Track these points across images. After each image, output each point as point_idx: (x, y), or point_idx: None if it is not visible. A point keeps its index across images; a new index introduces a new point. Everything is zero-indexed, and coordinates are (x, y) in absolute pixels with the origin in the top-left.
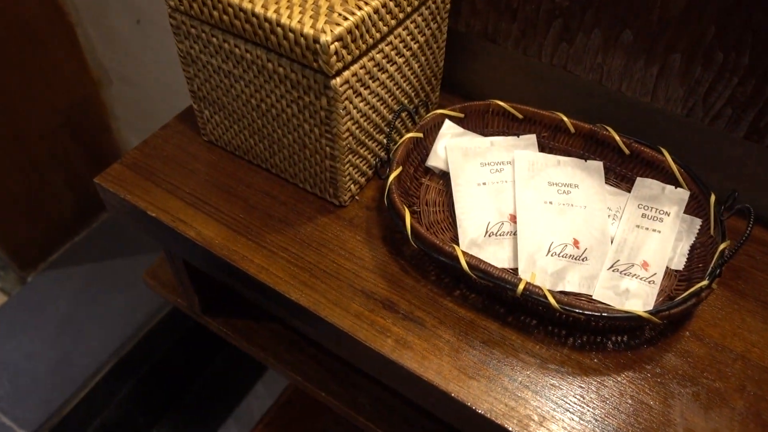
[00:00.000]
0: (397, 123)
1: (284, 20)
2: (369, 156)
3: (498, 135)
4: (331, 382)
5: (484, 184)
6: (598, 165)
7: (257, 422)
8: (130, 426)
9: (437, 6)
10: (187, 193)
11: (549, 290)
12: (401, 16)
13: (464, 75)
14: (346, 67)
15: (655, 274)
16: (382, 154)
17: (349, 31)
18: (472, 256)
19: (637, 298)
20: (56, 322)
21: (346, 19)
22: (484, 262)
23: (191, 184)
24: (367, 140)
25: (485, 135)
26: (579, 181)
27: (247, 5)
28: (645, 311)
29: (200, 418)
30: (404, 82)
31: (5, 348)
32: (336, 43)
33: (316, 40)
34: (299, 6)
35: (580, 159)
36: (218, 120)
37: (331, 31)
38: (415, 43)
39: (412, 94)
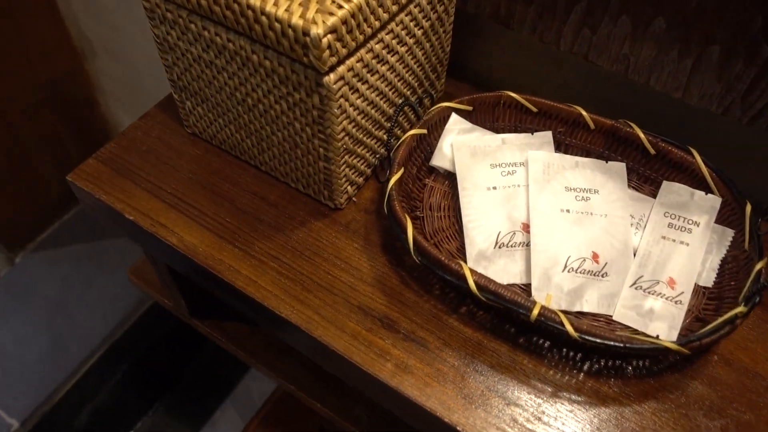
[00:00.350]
0: (399, 117)
1: (269, 8)
2: (367, 154)
3: (510, 130)
4: (326, 391)
5: (495, 188)
6: (620, 167)
7: (251, 418)
8: (124, 410)
9: None
10: (168, 193)
11: (565, 312)
12: (403, 0)
13: (473, 60)
14: (340, 62)
15: (682, 293)
16: (383, 151)
17: (345, 21)
18: (480, 275)
19: (662, 320)
20: (46, 305)
21: (340, 7)
22: (494, 283)
23: (173, 182)
24: (365, 138)
25: (496, 130)
26: (599, 185)
27: None
28: (673, 342)
29: (197, 400)
30: (407, 72)
31: None
32: (329, 36)
33: (305, 32)
34: None
35: (601, 160)
36: (201, 112)
37: (324, 21)
38: (419, 29)
39: (416, 84)
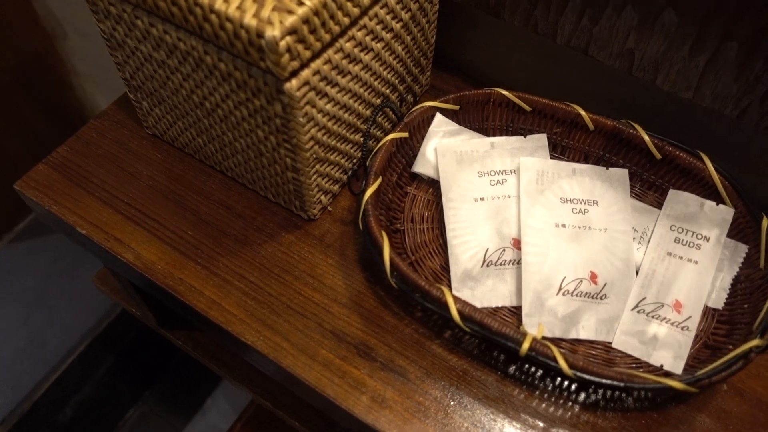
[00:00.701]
0: (378, 117)
1: (219, 5)
2: (342, 160)
3: (501, 130)
4: (305, 408)
5: (483, 199)
6: (622, 174)
7: (236, 420)
8: (111, 402)
9: None
10: (125, 203)
11: (560, 340)
12: None
13: (461, 51)
14: (304, 65)
15: (689, 317)
16: (359, 154)
17: (306, 20)
18: (464, 303)
19: (667, 348)
20: (24, 297)
21: (301, 3)
22: (480, 311)
23: (131, 191)
24: (338, 144)
25: (485, 130)
26: (598, 195)
27: None
28: (679, 381)
29: (187, 389)
30: (384, 69)
31: None
32: (288, 38)
33: (260, 34)
34: None
35: (601, 164)
36: (160, 113)
37: (281, 21)
38: (397, 22)
39: (396, 81)
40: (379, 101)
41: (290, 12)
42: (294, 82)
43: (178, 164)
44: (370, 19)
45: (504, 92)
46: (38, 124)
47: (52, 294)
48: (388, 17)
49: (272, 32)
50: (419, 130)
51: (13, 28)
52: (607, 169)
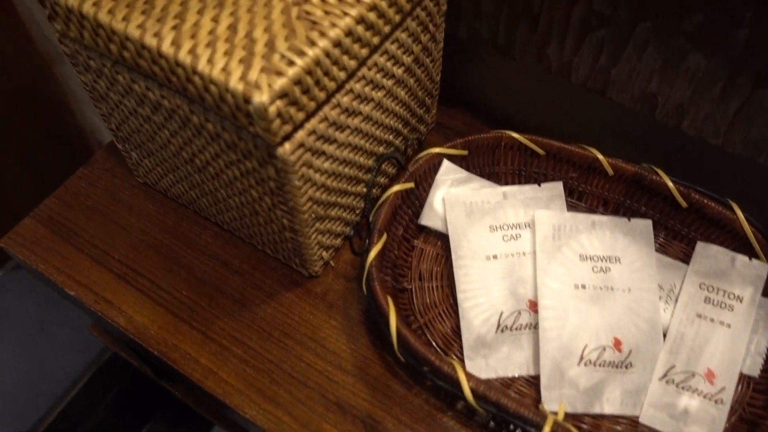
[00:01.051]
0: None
1: (202, 66)
2: (344, 214)
3: (513, 175)
4: None
5: (495, 257)
6: (645, 226)
7: None
8: (118, 428)
9: (429, 12)
10: (116, 260)
11: (583, 416)
12: (376, 40)
13: (467, 86)
14: (297, 127)
15: (723, 389)
16: (362, 205)
17: (298, 82)
18: (478, 380)
19: (699, 424)
20: (26, 326)
21: (291, 63)
22: (495, 389)
23: (122, 246)
24: (339, 199)
25: (495, 175)
26: (620, 250)
27: (150, 41)
28: None
29: (193, 417)
30: (387, 116)
31: None
32: (278, 102)
33: (247, 100)
34: (225, 41)
35: (622, 214)
36: (150, 165)
37: (269, 85)
38: (399, 68)
39: (400, 125)
40: (381, 149)
41: (279, 73)
42: (287, 146)
43: (172, 215)
44: (369, 69)
45: (515, 135)
46: (38, 148)
47: (55, 322)
48: (388, 64)
49: (260, 98)
50: (425, 177)
51: (8, 53)
52: (629, 220)
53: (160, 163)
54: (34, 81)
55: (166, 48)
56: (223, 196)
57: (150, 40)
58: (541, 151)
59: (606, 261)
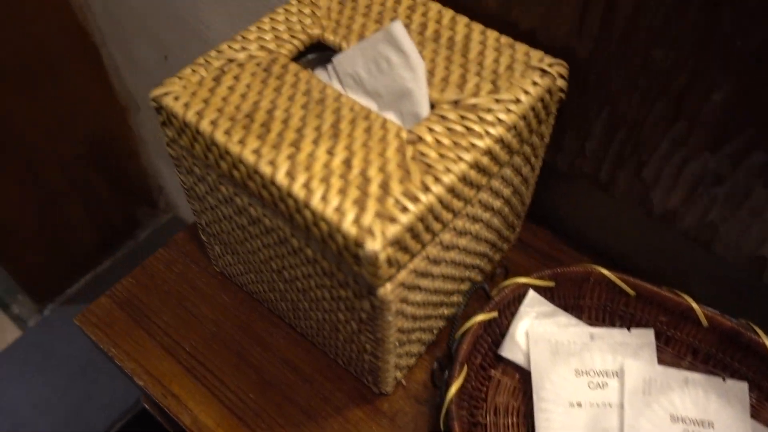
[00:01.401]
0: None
1: (315, 202)
2: (423, 335)
3: (598, 310)
4: None
5: (580, 405)
6: (741, 389)
7: None
8: None
9: (534, 147)
10: (186, 351)
11: None
12: (485, 181)
13: (554, 208)
14: (400, 268)
15: None
16: (441, 324)
17: (410, 229)
18: None
19: None
20: (69, 366)
21: (405, 210)
22: None
23: (194, 337)
24: (422, 324)
25: (580, 308)
26: (713, 414)
27: (264, 168)
28: None
29: None
30: (478, 244)
31: (9, 393)
32: (388, 250)
33: (359, 245)
34: (340, 177)
35: (716, 377)
36: (231, 261)
37: (383, 232)
38: (498, 200)
39: (488, 249)
40: (468, 273)
41: (393, 220)
42: (388, 287)
43: (246, 310)
44: (473, 206)
45: (605, 272)
46: (101, 189)
47: (95, 366)
48: (490, 199)
49: (373, 245)
50: (509, 306)
51: (90, 101)
52: (724, 380)
53: (244, 263)
54: (109, 127)
55: (281, 178)
56: (305, 308)
57: (264, 168)
58: (631, 292)
59: (699, 425)
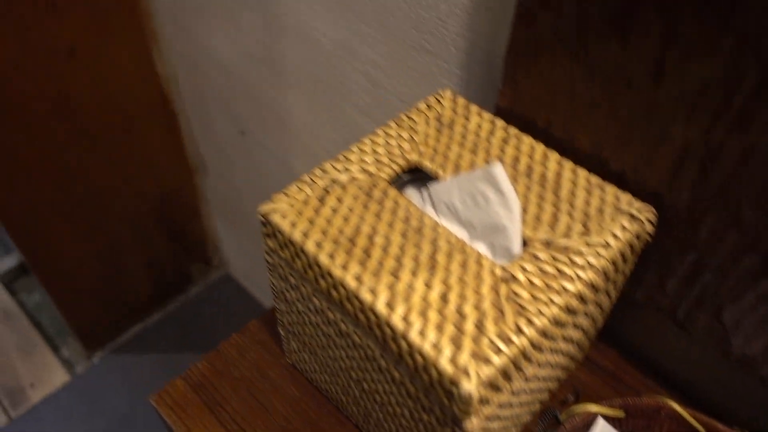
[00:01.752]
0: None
1: (413, 335)
2: None
3: None
4: None
5: None
6: None
7: None
8: None
9: (616, 284)
10: None
11: None
12: (571, 320)
13: (624, 333)
14: (488, 404)
15: None
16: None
17: (503, 371)
18: None
19: None
20: (109, 419)
21: (499, 352)
22: None
23: (261, 428)
24: None
25: None
26: None
27: (365, 295)
28: None
29: None
30: (553, 370)
31: None
32: (481, 390)
33: (454, 383)
34: (437, 311)
35: None
36: (307, 359)
37: (478, 374)
38: (577, 332)
39: (559, 372)
40: (540, 396)
41: (488, 362)
42: (475, 421)
43: (314, 406)
44: (556, 342)
45: (677, 408)
46: (161, 243)
47: (138, 418)
48: (573, 333)
49: (468, 386)
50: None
51: (161, 161)
52: None
53: (321, 364)
54: (176, 186)
55: (380, 307)
56: (377, 417)
57: (365, 295)
58: (701, 429)
59: None
